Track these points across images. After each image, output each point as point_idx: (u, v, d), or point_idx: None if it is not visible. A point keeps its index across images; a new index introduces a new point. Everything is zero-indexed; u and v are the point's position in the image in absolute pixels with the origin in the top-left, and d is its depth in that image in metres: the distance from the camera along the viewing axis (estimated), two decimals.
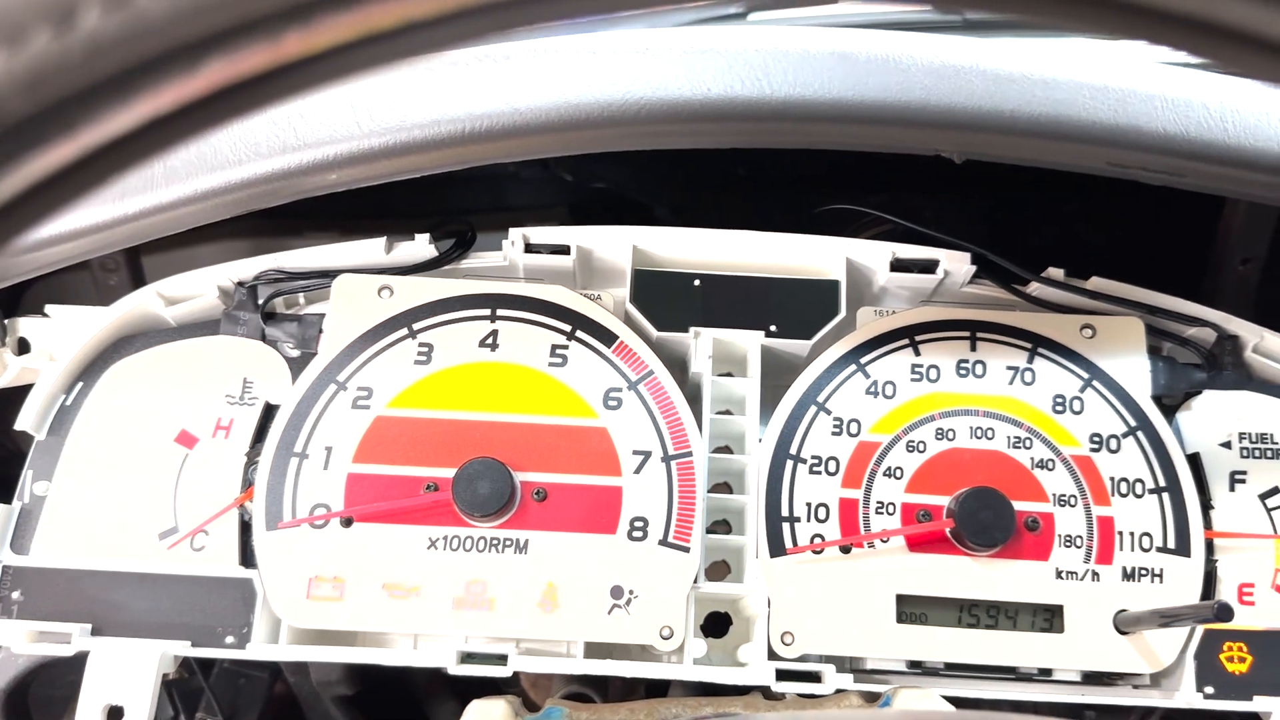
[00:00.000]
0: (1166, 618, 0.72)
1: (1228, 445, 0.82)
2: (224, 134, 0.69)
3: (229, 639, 0.76)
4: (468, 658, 0.76)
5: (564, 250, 0.84)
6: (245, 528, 0.78)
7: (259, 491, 0.78)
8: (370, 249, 0.82)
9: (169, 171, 0.70)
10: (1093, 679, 0.79)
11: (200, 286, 0.83)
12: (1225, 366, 0.84)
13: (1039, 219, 1.19)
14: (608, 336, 0.83)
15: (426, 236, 0.83)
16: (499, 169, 1.22)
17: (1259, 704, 0.76)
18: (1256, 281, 1.05)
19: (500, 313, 0.83)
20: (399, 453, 0.79)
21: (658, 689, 0.87)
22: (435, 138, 0.65)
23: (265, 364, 0.82)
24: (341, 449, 0.79)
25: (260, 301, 0.83)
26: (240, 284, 0.83)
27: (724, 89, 0.65)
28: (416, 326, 0.82)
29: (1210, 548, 0.80)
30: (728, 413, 0.84)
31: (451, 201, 1.28)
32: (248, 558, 0.77)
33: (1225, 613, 0.66)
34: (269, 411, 0.80)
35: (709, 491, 0.82)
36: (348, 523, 0.77)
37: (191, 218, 0.71)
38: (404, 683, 1.07)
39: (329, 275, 0.82)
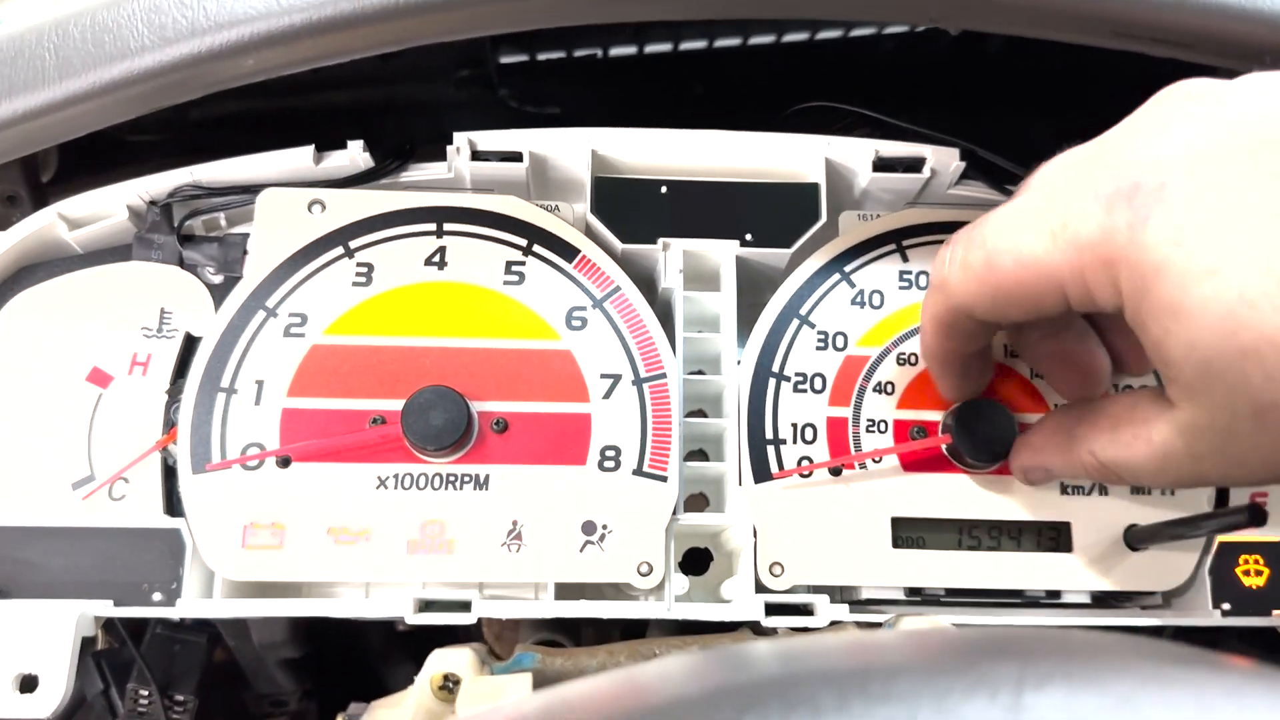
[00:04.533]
0: (1184, 528, 0.67)
1: None
2: (125, 16, 0.60)
3: (156, 596, 0.68)
4: (427, 605, 0.68)
5: (516, 157, 0.76)
6: (170, 473, 0.70)
7: (183, 432, 0.69)
8: (297, 159, 0.74)
9: (62, 63, 0.61)
10: (1101, 600, 0.74)
11: (108, 206, 0.74)
12: None
13: (1005, 135, 1.13)
14: (569, 251, 0.75)
15: (360, 144, 0.74)
16: (433, 95, 1.13)
17: (1278, 618, 0.72)
18: None
19: (447, 227, 0.74)
20: (339, 384, 0.70)
21: (635, 632, 0.81)
22: (366, 9, 0.57)
23: (184, 291, 0.73)
24: (274, 382, 0.70)
25: (176, 222, 0.74)
26: (153, 203, 0.74)
27: None
28: (354, 245, 0.73)
29: None
30: (700, 332, 0.77)
31: (388, 133, 1.19)
32: (174, 506, 0.69)
33: (1258, 516, 0.60)
34: (190, 344, 0.72)
35: (687, 418, 0.75)
36: (285, 462, 0.69)
37: (92, 117, 0.62)
38: (356, 644, 1.00)
39: (252, 190, 0.74)
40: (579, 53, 1.12)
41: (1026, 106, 1.17)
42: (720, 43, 1.13)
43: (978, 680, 0.31)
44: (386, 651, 1.01)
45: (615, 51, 1.13)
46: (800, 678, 0.32)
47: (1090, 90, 1.10)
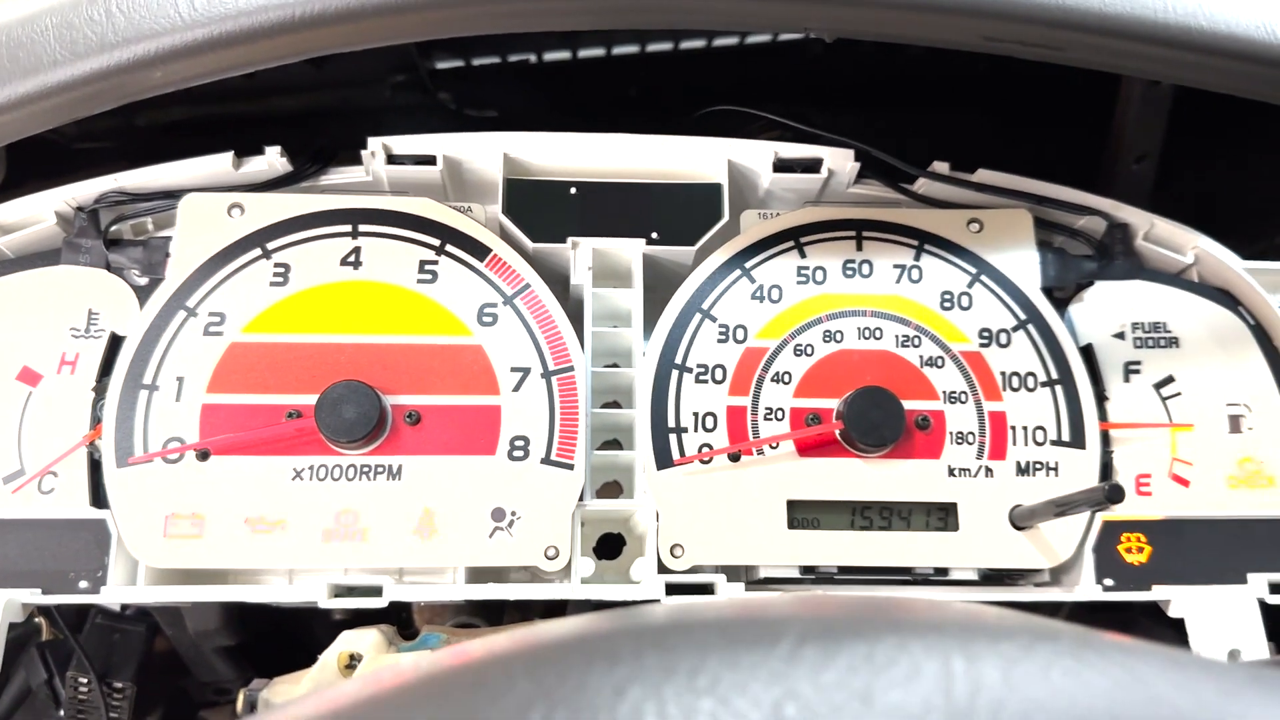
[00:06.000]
0: (1060, 507, 0.70)
1: (1121, 336, 0.81)
2: (38, 32, 0.63)
3: (83, 584, 0.71)
4: (341, 591, 0.72)
5: (430, 160, 0.79)
6: (96, 466, 0.73)
7: (107, 427, 0.72)
8: (217, 165, 0.77)
9: None
10: (991, 578, 0.77)
11: (37, 212, 0.77)
12: (1116, 256, 0.82)
13: (932, 130, 1.17)
14: (480, 250, 0.79)
15: (277, 150, 0.77)
16: (374, 100, 1.16)
17: (1158, 593, 0.75)
18: (1152, 180, 1.03)
19: (362, 228, 0.78)
20: (257, 380, 0.74)
21: (556, 613, 0.84)
22: (264, 25, 0.60)
23: (111, 293, 0.76)
24: (194, 379, 0.73)
25: (103, 227, 0.77)
26: (80, 209, 0.77)
27: None
28: (271, 246, 0.77)
29: (1106, 439, 0.78)
30: (613, 326, 0.80)
31: (331, 137, 1.22)
32: (100, 498, 0.72)
33: (1116, 493, 0.64)
34: (116, 343, 0.75)
35: (599, 409, 0.78)
36: (204, 456, 0.72)
37: (9, 128, 0.65)
38: (299, 632, 1.03)
39: (175, 195, 0.77)
40: (513, 57, 1.15)
41: (951, 101, 1.20)
42: (652, 47, 1.17)
43: (766, 631, 0.34)
44: (331, 640, 1.04)
45: (550, 56, 1.16)
46: (607, 633, 0.36)
47: (1012, 84, 1.14)
